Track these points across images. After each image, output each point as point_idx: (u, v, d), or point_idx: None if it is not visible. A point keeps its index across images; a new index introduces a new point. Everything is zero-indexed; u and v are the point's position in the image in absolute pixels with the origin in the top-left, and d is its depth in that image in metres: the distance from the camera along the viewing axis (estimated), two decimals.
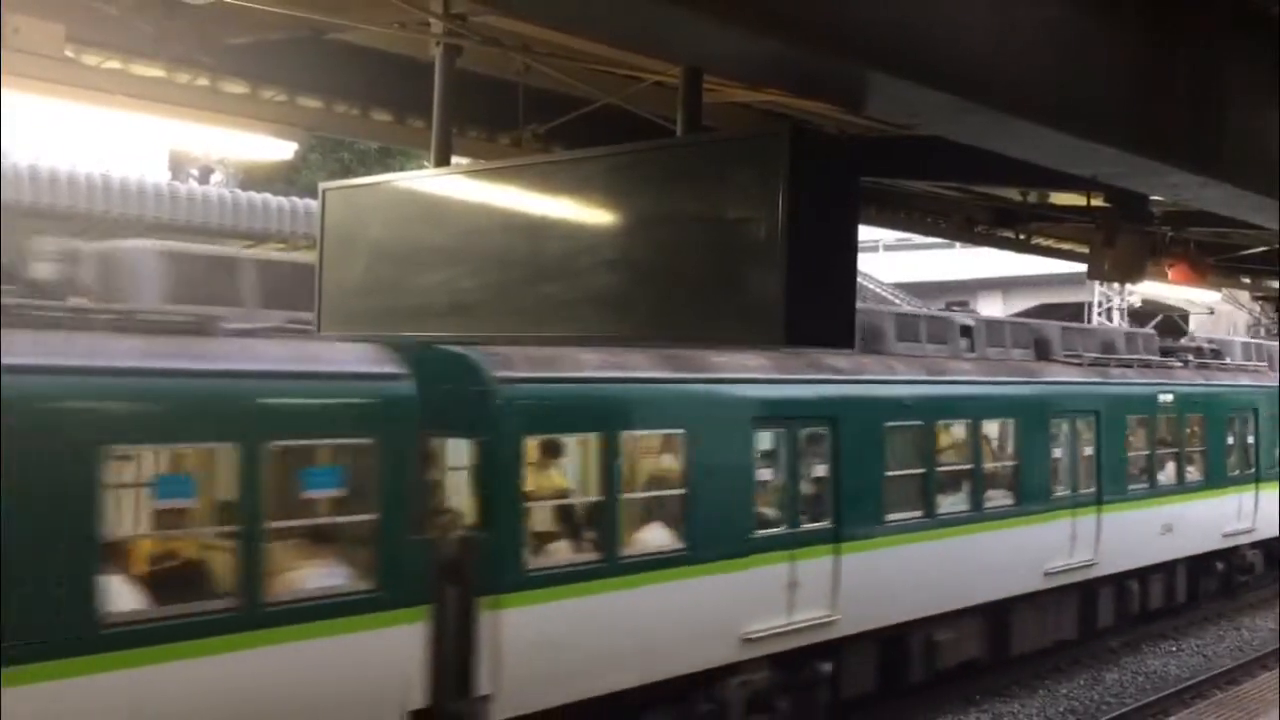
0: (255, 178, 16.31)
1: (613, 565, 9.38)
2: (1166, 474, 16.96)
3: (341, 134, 6.59)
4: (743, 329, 3.21)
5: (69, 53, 4.65)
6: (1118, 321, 27.12)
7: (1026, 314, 30.76)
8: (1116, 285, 27.39)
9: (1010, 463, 14.08)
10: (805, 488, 11.30)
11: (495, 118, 5.68)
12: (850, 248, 3.17)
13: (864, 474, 11.69)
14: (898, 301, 24.06)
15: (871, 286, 26.42)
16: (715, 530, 10.17)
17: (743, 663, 10.55)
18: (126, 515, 7.33)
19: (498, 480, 8.88)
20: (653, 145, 3.61)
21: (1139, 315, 28.96)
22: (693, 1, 2.44)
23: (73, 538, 6.67)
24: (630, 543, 9.73)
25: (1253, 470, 18.68)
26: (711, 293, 3.18)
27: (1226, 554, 18.62)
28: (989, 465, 13.72)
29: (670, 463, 10.31)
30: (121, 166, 12.09)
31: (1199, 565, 18.10)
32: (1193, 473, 17.51)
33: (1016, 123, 3.01)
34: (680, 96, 3.52)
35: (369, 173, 6.06)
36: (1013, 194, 8.36)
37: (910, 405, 12.41)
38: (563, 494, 9.64)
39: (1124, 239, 7.81)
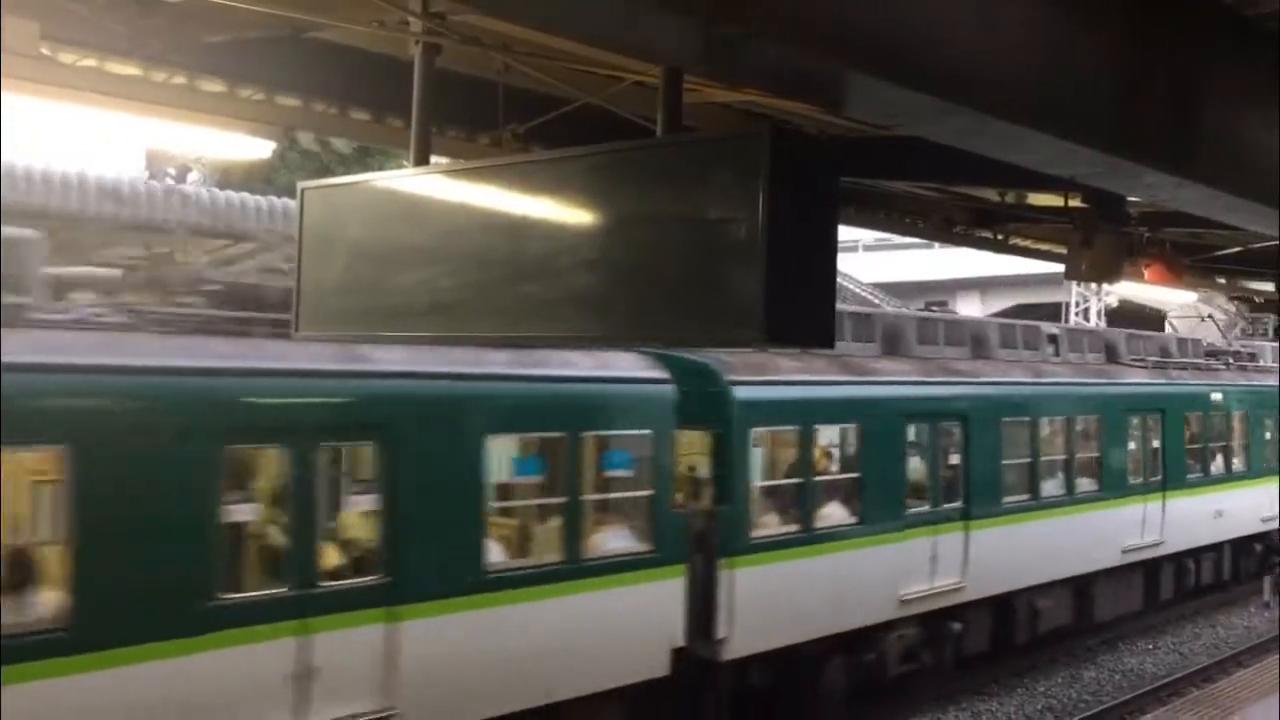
0: (233, 177, 16.23)
1: (810, 535, 11.84)
2: (1217, 465, 19.23)
3: (320, 133, 6.55)
4: (722, 329, 3.21)
5: (44, 50, 4.61)
6: (1094, 321, 27.27)
7: (1004, 314, 30.92)
8: (1094, 285, 27.55)
9: (1094, 454, 16.33)
10: (943, 473, 13.70)
11: (475, 117, 5.66)
12: (830, 248, 3.17)
13: (987, 462, 14.10)
14: (878, 302, 24.12)
15: (851, 287, 26.49)
16: (880, 508, 12.57)
17: (898, 620, 12.94)
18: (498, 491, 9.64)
19: (731, 465, 11.12)
20: (633, 145, 3.61)
21: (1116, 316, 29.14)
22: (674, 2, 2.44)
23: (468, 509, 8.94)
24: (820, 517, 12.03)
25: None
26: (691, 293, 3.18)
27: (1262, 537, 20.74)
28: (1078, 455, 15.96)
29: (847, 451, 12.86)
30: (98, 165, 12.00)
31: (1240, 547, 20.29)
32: (1237, 464, 19.78)
33: (997, 123, 3.02)
34: (660, 96, 3.52)
35: (348, 172, 6.07)
36: (991, 194, 8.39)
37: (1020, 404, 14.96)
38: (775, 476, 12.15)
39: (1101, 239, 7.84)
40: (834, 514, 12.20)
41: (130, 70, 4.94)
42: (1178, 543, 17.73)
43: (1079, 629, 16.30)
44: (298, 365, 8.11)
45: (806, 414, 11.93)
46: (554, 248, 3.59)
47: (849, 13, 2.61)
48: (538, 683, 9.35)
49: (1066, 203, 7.99)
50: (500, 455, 9.60)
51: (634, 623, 10.13)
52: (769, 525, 11.58)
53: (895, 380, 13.13)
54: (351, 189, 4.43)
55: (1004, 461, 14.35)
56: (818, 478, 12.13)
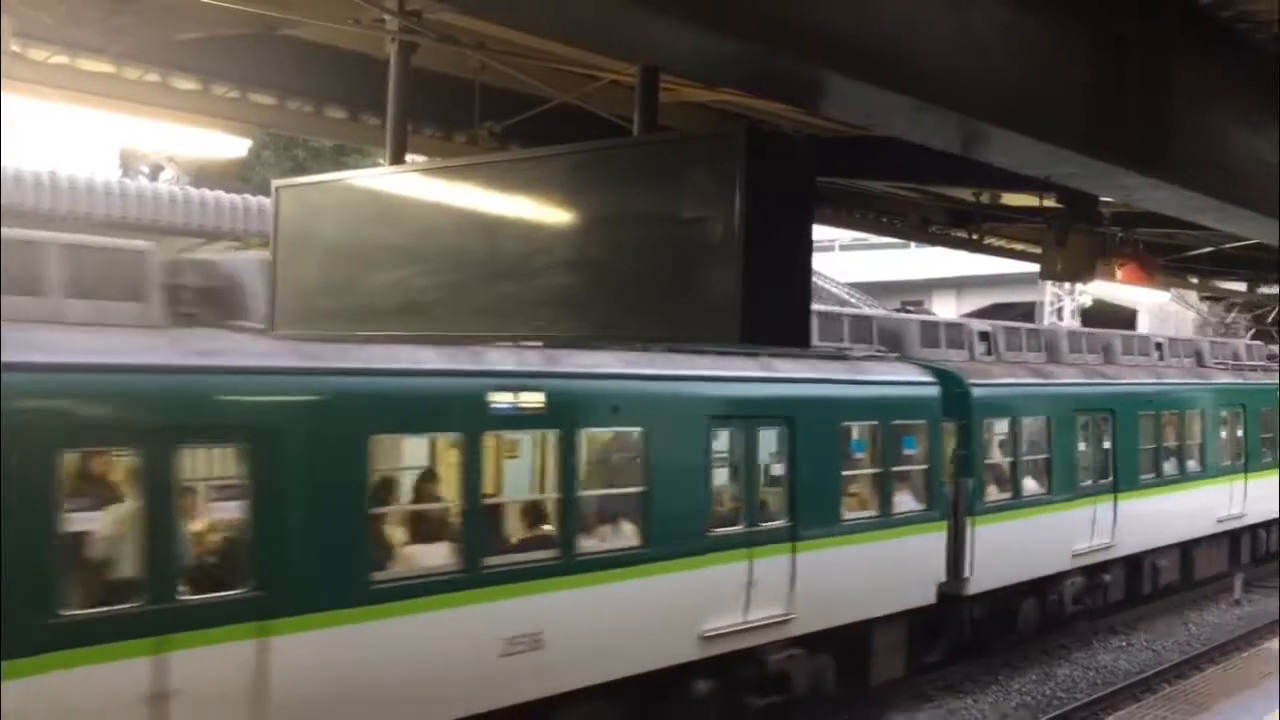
0: (207, 175, 16.11)
1: (1019, 502, 15.45)
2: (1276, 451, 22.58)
3: (295, 131, 6.52)
4: (699, 327, 3.21)
5: (15, 47, 4.56)
6: (1068, 320, 27.45)
7: (980, 313, 31.09)
8: (1067, 285, 27.72)
9: (1197, 441, 19.59)
10: (1097, 455, 17.11)
11: (451, 116, 5.65)
12: (805, 247, 3.18)
13: (1128, 446, 17.61)
14: (854, 301, 24.19)
15: (827, 286, 26.56)
16: (1060, 482, 16.06)
17: (1071, 570, 16.63)
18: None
19: (971, 447, 14.64)
20: (609, 144, 3.60)
21: (1090, 315, 29.33)
22: (653, 1, 2.44)
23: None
24: (1023, 489, 15.58)
25: None
26: (668, 291, 3.18)
27: None
28: (1185, 443, 19.27)
29: (1039, 438, 16.00)
30: (70, 163, 11.90)
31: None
32: None
33: (973, 124, 3.03)
34: (637, 96, 3.52)
35: (323, 170, 6.05)
36: (966, 195, 8.44)
37: (1154, 400, 18.37)
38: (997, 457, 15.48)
39: (1075, 239, 7.90)
40: (1030, 486, 15.81)
41: (102, 68, 4.90)
42: (1254, 516, 21.46)
43: (1185, 585, 19.86)
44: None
45: (1017, 409, 15.69)
46: (531, 247, 3.59)
47: (825, 14, 2.62)
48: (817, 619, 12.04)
49: (1041, 203, 8.04)
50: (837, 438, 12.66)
51: (917, 563, 13.70)
52: (992, 494, 15.17)
53: (1068, 381, 16.92)
54: (327, 187, 4.40)
55: (1140, 447, 18.01)
56: (1025, 458, 15.69)
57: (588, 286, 3.40)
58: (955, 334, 15.83)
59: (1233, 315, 26.53)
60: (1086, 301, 28.93)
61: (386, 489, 8.84)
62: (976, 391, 14.72)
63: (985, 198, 8.38)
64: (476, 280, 3.73)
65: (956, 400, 14.39)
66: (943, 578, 14.05)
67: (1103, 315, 29.10)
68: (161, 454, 7.27)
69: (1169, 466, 18.80)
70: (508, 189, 3.68)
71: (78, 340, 7.26)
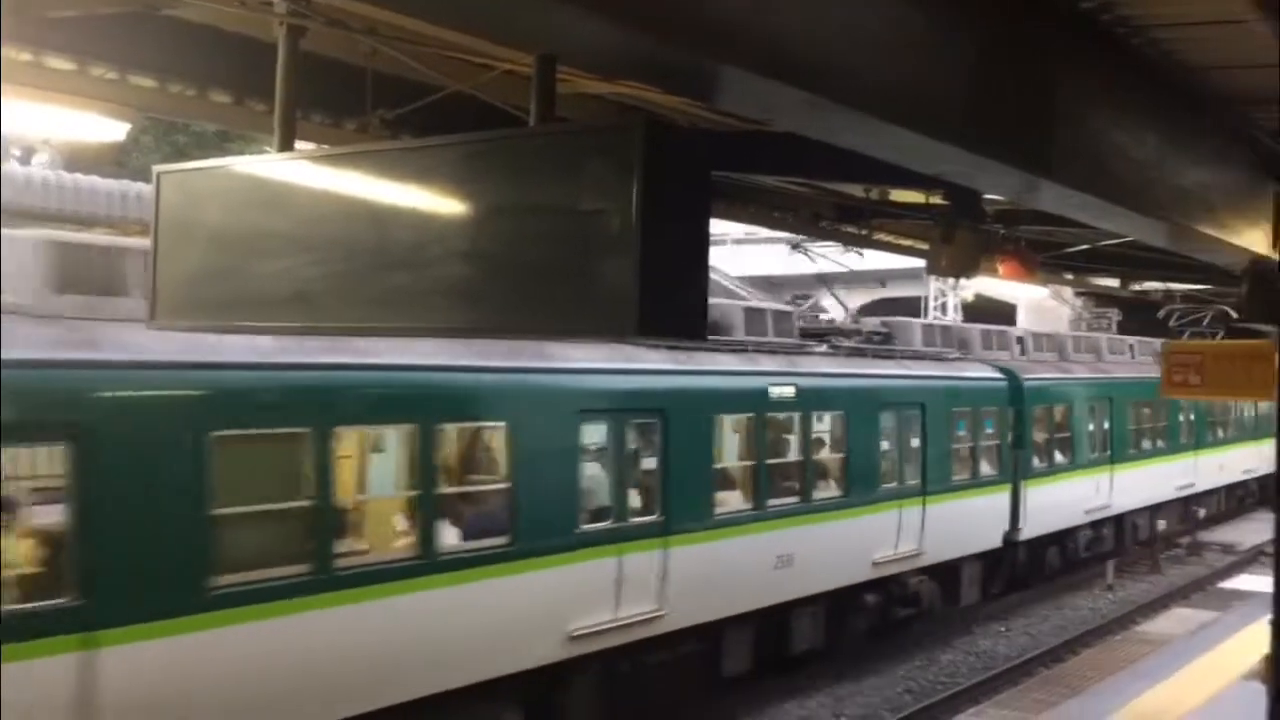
0: (81, 160, 15.52)
1: (1053, 468, 20.16)
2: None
3: (177, 115, 6.31)
4: (595, 321, 3.19)
5: None
6: (952, 316, 28.15)
7: (867, 308, 31.66)
8: (951, 280, 28.38)
9: (1165, 423, 25.01)
10: (1099, 432, 22.00)
11: (341, 102, 5.53)
12: (702, 241, 3.19)
13: (1123, 424, 22.79)
14: (746, 295, 24.45)
15: (720, 280, 26.77)
16: (1082, 454, 21.03)
17: (1084, 524, 21.56)
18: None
19: (1023, 427, 19.09)
20: (505, 134, 3.56)
21: (972, 310, 30.10)
22: None
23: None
24: (1055, 457, 20.29)
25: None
26: (564, 284, 3.15)
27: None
28: (1160, 424, 24.72)
29: (1063, 418, 20.74)
30: None
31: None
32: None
33: (867, 120, 3.07)
34: (534, 85, 3.48)
35: (206, 157, 5.86)
36: (856, 191, 8.57)
37: (1132, 389, 23.00)
38: (1043, 433, 20.07)
39: (960, 236, 8.09)
40: (1059, 457, 20.49)
41: None
42: (1204, 484, 27.07)
43: (1153, 538, 24.49)
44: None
45: (1055, 397, 20.45)
46: (423, 237, 3.53)
47: (723, 6, 2.62)
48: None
49: (928, 200, 8.21)
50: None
51: (990, 516, 18.19)
52: (1039, 461, 19.65)
53: (1083, 376, 21.93)
54: (211, 174, 4.27)
55: (1129, 428, 23.02)
56: (1058, 435, 20.43)
57: (483, 278, 3.35)
58: (1004, 339, 21.12)
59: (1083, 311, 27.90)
60: (969, 296, 29.68)
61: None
62: (1028, 384, 19.47)
63: (875, 194, 8.52)
64: (367, 270, 3.65)
65: (1015, 391, 19.04)
66: (1006, 527, 18.69)
67: (984, 310, 29.89)
68: None
69: (1148, 444, 24.38)
70: (400, 178, 3.62)
71: None
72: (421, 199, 3.54)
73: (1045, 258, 10.76)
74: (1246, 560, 24.88)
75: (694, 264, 3.14)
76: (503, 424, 10.39)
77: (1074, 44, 4.01)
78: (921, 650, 17.00)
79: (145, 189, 9.08)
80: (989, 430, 18.29)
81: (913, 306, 34.13)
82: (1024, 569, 19.70)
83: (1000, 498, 18.45)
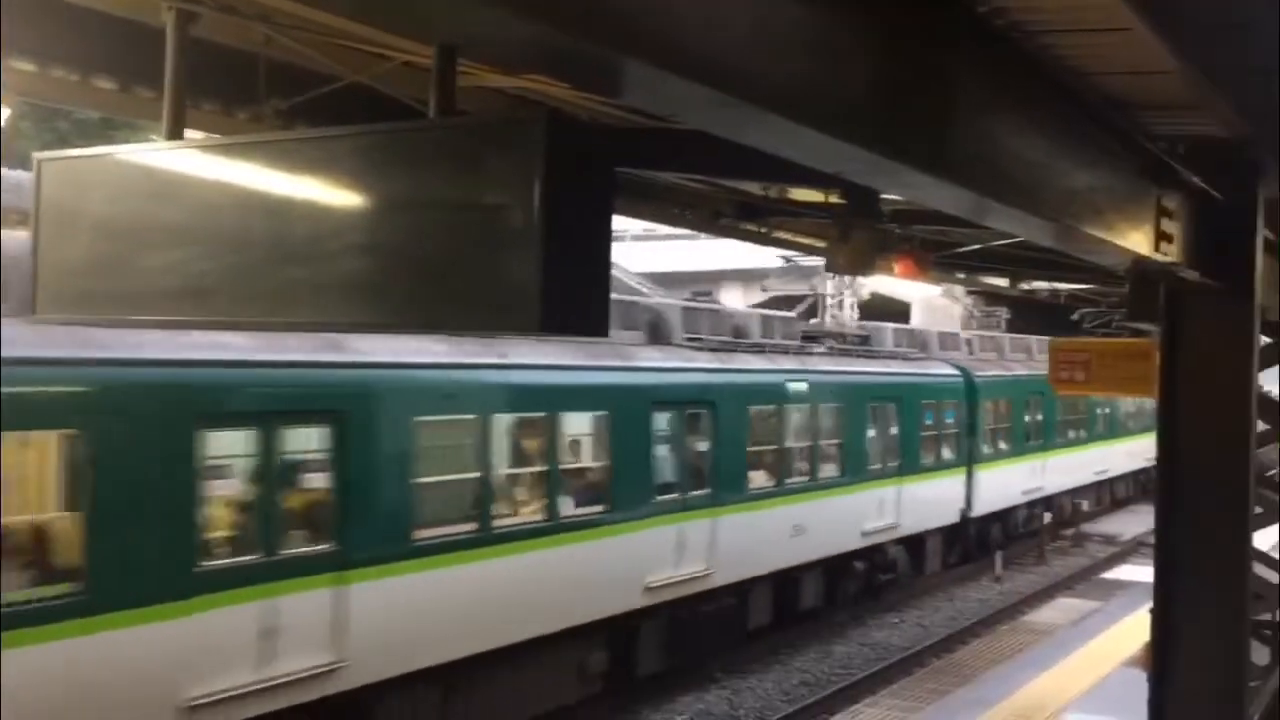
0: None
1: (999, 453, 23.57)
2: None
3: (59, 101, 6.07)
4: (497, 317, 3.15)
5: None
6: (848, 313, 28.62)
7: (766, 304, 32.07)
8: (848, 278, 28.80)
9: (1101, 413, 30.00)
10: (1034, 424, 25.46)
11: (233, 91, 5.36)
12: (605, 237, 3.17)
13: (1056, 415, 26.50)
14: (646, 291, 24.53)
15: (620, 277, 26.82)
16: (1011, 442, 24.33)
17: (1024, 504, 25.20)
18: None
19: (975, 417, 22.38)
20: (404, 126, 3.49)
21: (868, 308, 30.61)
22: None
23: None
24: (997, 444, 23.52)
25: None
26: (465, 279, 3.10)
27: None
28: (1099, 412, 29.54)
29: (1006, 410, 24.06)
30: None
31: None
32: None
33: (772, 118, 3.07)
34: (434, 77, 3.42)
35: (89, 144, 5.63)
36: (755, 188, 8.63)
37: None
38: (992, 423, 23.44)
39: (857, 235, 8.20)
40: (1002, 445, 23.71)
41: None
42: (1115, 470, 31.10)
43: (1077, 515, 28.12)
44: None
45: (999, 392, 23.50)
46: (320, 230, 3.44)
47: (628, 1, 2.60)
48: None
49: (826, 199, 8.31)
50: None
51: (950, 495, 21.42)
52: (987, 448, 22.88)
53: (1023, 374, 24.61)
54: (96, 161, 4.12)
55: (1058, 419, 26.34)
56: (1002, 425, 23.60)
57: (382, 273, 3.29)
58: (955, 340, 24.20)
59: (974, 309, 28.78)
60: (865, 295, 30.20)
61: None
62: (978, 379, 22.61)
63: (774, 192, 8.59)
64: (262, 264, 3.55)
65: (968, 387, 22.24)
66: (962, 505, 21.74)
67: (880, 308, 30.43)
68: None
69: (1073, 434, 27.57)
70: (295, 169, 3.52)
71: None
72: (318, 191, 3.46)
73: (939, 257, 10.97)
74: (1127, 551, 25.81)
75: (597, 260, 3.12)
76: (605, 413, 13.02)
77: (971, 47, 4.08)
78: (817, 642, 17.26)
79: (25, 177, 8.74)
80: (949, 420, 21.57)
81: (812, 304, 34.56)
82: (974, 542, 23.07)
83: (958, 480, 21.80)
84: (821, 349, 18.84)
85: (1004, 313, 30.76)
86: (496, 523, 11.39)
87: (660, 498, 13.57)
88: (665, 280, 32.31)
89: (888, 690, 14.02)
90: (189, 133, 4.30)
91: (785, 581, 16.49)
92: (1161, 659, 7.43)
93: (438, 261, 3.17)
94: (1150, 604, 7.66)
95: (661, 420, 13.89)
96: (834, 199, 8.24)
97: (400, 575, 10.40)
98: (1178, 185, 6.42)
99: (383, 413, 10.45)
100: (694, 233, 17.18)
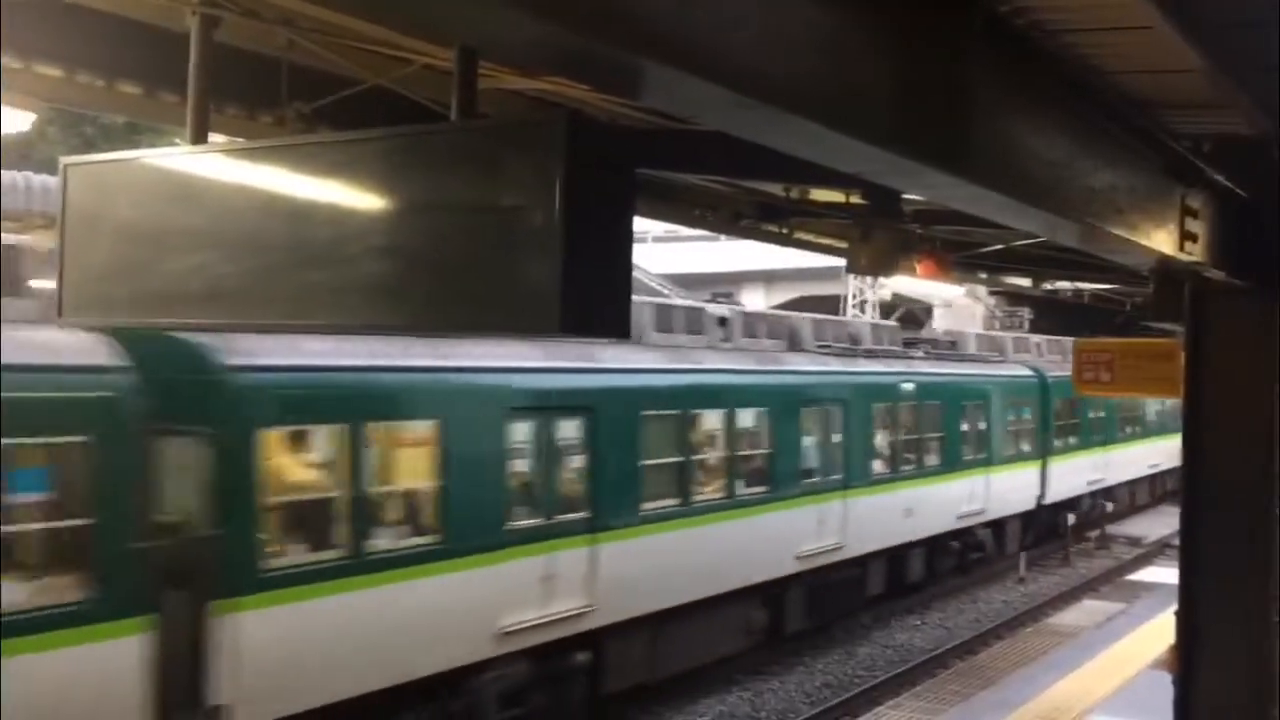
0: None
1: (1071, 446, 25.54)
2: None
3: (85, 106, 6.13)
4: (518, 318, 3.16)
5: None
6: (869, 314, 28.56)
7: (788, 305, 32.04)
8: (870, 279, 28.73)
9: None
10: (1098, 421, 26.79)
11: (256, 95, 5.41)
12: (626, 238, 3.17)
13: (1065, 417, 25.84)
14: (667, 293, 24.55)
15: (641, 278, 26.85)
16: (1087, 436, 26.09)
17: (1085, 495, 26.57)
18: None
19: (1048, 414, 24.40)
20: (426, 129, 3.51)
21: (889, 308, 30.54)
22: None
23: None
24: (1069, 440, 25.39)
25: None
26: (486, 281, 3.12)
27: None
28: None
29: (1073, 408, 25.51)
30: None
31: None
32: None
33: (791, 119, 3.07)
34: (455, 80, 3.44)
35: (114, 149, 5.70)
36: (776, 190, 8.62)
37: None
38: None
39: (878, 235, 8.20)
40: (1070, 439, 25.47)
41: None
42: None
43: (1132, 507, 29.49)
44: None
45: (1067, 390, 20.02)
46: (342, 233, 3.46)
47: (647, 2, 2.61)
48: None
49: (847, 199, 8.30)
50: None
51: (1028, 484, 23.19)
52: (1057, 442, 24.68)
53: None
54: (120, 166, 4.16)
55: (1118, 416, 27.89)
56: (1070, 421, 25.22)
57: (403, 275, 3.30)
58: (1026, 344, 25.61)
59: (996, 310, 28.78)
60: (886, 295, 30.12)
61: None
62: (1050, 379, 23.99)
63: (795, 193, 8.59)
64: (284, 267, 3.58)
65: (1040, 385, 23.90)
66: (1036, 493, 23.61)
67: (901, 308, 30.33)
68: None
69: (1129, 430, 28.92)
70: (317, 173, 3.55)
71: None
72: (340, 194, 3.48)
73: (960, 257, 10.94)
74: (1153, 553, 25.60)
75: (617, 261, 3.12)
76: (765, 409, 15.39)
77: (990, 46, 4.07)
78: (839, 645, 17.21)
79: (51, 181, 8.84)
80: (1026, 416, 23.58)
81: (832, 304, 34.53)
82: (1046, 528, 24.69)
83: (1034, 471, 23.70)
84: (919, 353, 21.33)
85: (1027, 313, 30.62)
86: (695, 499, 13.94)
87: (806, 481, 16.06)
88: (686, 282, 32.30)
89: (910, 692, 13.96)
90: (213, 136, 4.34)
91: (895, 557, 18.93)
92: (1187, 661, 7.38)
93: (459, 263, 3.18)
94: (1175, 606, 7.61)
95: (807, 416, 16.40)
96: (855, 200, 8.23)
97: (632, 539, 12.86)
98: (1202, 184, 6.38)
99: (620, 408, 12.95)
100: (715, 234, 17.30)
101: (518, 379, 11.60)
